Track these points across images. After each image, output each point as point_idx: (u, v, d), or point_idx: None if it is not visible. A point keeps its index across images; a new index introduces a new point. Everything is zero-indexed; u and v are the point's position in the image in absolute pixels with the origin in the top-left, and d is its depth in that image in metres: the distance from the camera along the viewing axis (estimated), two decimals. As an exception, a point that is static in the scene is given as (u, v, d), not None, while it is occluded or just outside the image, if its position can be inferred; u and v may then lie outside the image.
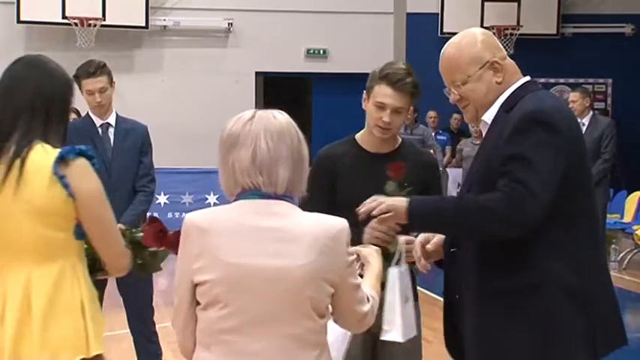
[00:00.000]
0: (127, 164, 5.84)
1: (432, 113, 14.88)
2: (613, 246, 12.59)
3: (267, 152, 2.65)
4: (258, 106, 16.01)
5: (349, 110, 16.13)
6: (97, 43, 14.75)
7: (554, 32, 15.97)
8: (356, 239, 3.17)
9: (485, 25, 15.28)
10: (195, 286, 2.71)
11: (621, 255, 12.66)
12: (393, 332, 3.53)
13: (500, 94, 3.20)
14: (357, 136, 4.29)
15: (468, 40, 3.26)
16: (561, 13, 16.14)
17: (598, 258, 3.14)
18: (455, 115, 14.93)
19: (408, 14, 16.06)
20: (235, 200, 2.71)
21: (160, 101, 15.35)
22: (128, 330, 6.11)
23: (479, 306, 3.10)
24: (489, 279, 3.07)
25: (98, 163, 5.59)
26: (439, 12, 15.79)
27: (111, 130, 5.91)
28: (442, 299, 3.43)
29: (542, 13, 15.94)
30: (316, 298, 2.68)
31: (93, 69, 5.83)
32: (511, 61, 3.27)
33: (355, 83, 17.44)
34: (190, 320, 2.76)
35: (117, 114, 5.97)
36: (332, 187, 4.04)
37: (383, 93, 4.16)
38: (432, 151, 14.03)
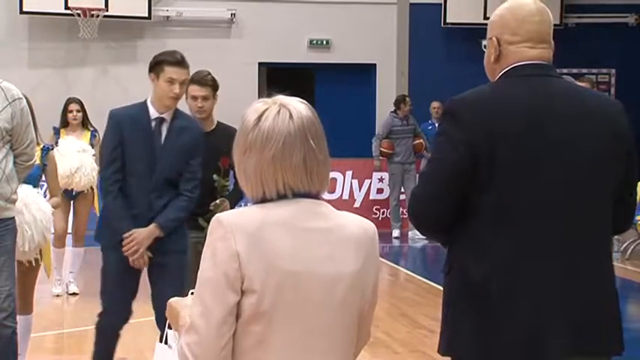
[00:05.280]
0: (173, 164, 5.40)
1: (435, 104, 14.87)
2: (616, 236, 12.55)
3: (315, 154, 2.46)
4: (260, 96, 15.95)
5: (352, 100, 16.18)
6: (100, 34, 14.75)
7: (558, 22, 15.92)
8: None
9: (488, 15, 15.24)
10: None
11: (624, 245, 12.65)
12: None
13: (495, 76, 3.14)
14: None
15: (500, 7, 3.22)
16: (565, 3, 16.11)
17: (523, 256, 2.94)
18: (456, 106, 14.93)
19: (411, 4, 16.03)
20: (267, 201, 2.46)
21: (163, 92, 15.35)
22: (131, 321, 6.10)
23: None
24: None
25: (141, 160, 5.35)
26: (442, 2, 15.76)
27: (164, 126, 5.44)
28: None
29: (545, 3, 15.76)
30: (361, 306, 2.51)
31: (180, 58, 5.43)
32: (522, 50, 3.09)
33: (358, 74, 17.51)
34: (230, 336, 2.39)
35: (176, 109, 5.51)
36: None
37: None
38: (421, 140, 14.22)
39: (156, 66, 5.40)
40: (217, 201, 5.83)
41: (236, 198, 5.83)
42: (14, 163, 5.13)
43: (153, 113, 5.42)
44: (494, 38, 3.14)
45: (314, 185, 2.47)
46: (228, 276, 2.36)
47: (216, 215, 2.44)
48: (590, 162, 3.00)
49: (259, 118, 2.47)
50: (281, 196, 2.45)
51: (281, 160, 2.43)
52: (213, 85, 6.02)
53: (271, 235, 2.39)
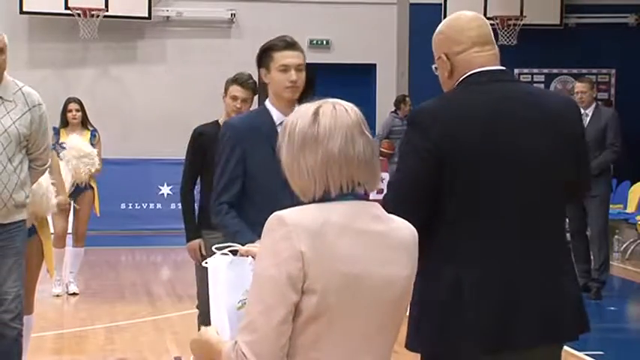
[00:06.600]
0: None
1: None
2: (616, 237, 12.58)
3: (371, 145, 2.49)
4: (261, 97, 16.02)
5: (352, 100, 16.18)
6: (100, 34, 14.75)
7: (558, 22, 15.93)
8: None
9: (488, 15, 15.25)
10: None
11: (624, 245, 12.65)
12: None
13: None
14: None
15: (438, 27, 3.37)
16: (565, 4, 16.11)
17: (488, 255, 3.10)
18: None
19: (411, 5, 16.04)
20: (321, 201, 2.45)
21: (163, 92, 15.35)
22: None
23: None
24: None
25: (273, 177, 3.97)
26: (442, 2, 15.76)
27: None
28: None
29: (545, 4, 15.91)
30: (405, 309, 2.56)
31: (291, 40, 4.51)
32: (472, 56, 3.23)
33: (358, 74, 17.47)
34: (289, 335, 2.38)
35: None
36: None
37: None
38: None
39: (263, 57, 4.46)
40: None
41: None
42: (28, 167, 5.19)
43: (278, 117, 4.36)
44: (442, 55, 3.29)
45: (372, 180, 2.48)
46: (291, 275, 2.34)
47: (277, 213, 2.42)
48: (546, 161, 3.15)
49: (316, 114, 2.48)
50: (342, 194, 2.44)
51: (345, 152, 2.44)
52: (254, 90, 6.05)
53: (332, 236, 2.39)
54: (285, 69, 4.41)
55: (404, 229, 2.53)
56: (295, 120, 2.50)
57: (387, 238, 2.47)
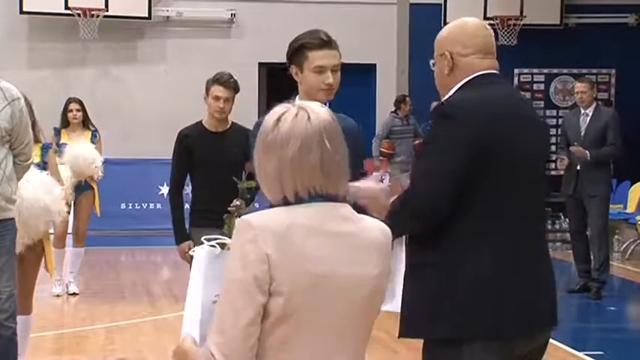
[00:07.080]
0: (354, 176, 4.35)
1: (436, 104, 14.86)
2: (616, 237, 12.59)
3: (331, 156, 2.47)
4: (261, 97, 16.05)
5: (352, 100, 16.19)
6: (100, 34, 14.75)
7: (558, 22, 15.93)
8: None
9: (488, 15, 15.27)
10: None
11: (624, 245, 12.66)
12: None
13: (450, 88, 3.43)
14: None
15: (446, 27, 3.55)
16: (565, 3, 16.11)
17: (506, 251, 3.21)
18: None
19: (411, 5, 16.04)
20: (290, 204, 2.46)
21: (163, 92, 15.35)
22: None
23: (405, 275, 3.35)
24: (411, 254, 3.34)
25: None
26: (442, 2, 15.76)
27: None
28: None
29: (545, 4, 15.91)
30: (377, 308, 2.56)
31: (327, 38, 4.15)
32: (475, 61, 3.37)
33: (358, 74, 17.50)
34: (257, 336, 2.40)
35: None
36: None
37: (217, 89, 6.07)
38: (421, 140, 14.19)
39: (296, 54, 4.10)
40: (237, 202, 5.61)
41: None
42: (13, 162, 5.16)
43: None
44: (446, 52, 3.45)
45: (332, 186, 2.48)
46: (257, 277, 2.37)
47: (246, 217, 2.43)
48: (544, 160, 3.43)
49: (278, 119, 2.49)
50: (299, 198, 2.45)
51: (298, 161, 2.45)
52: (235, 88, 6.15)
53: (299, 238, 2.41)
54: (320, 70, 4.07)
55: (374, 230, 2.54)
56: (264, 122, 2.52)
57: (357, 239, 2.48)
